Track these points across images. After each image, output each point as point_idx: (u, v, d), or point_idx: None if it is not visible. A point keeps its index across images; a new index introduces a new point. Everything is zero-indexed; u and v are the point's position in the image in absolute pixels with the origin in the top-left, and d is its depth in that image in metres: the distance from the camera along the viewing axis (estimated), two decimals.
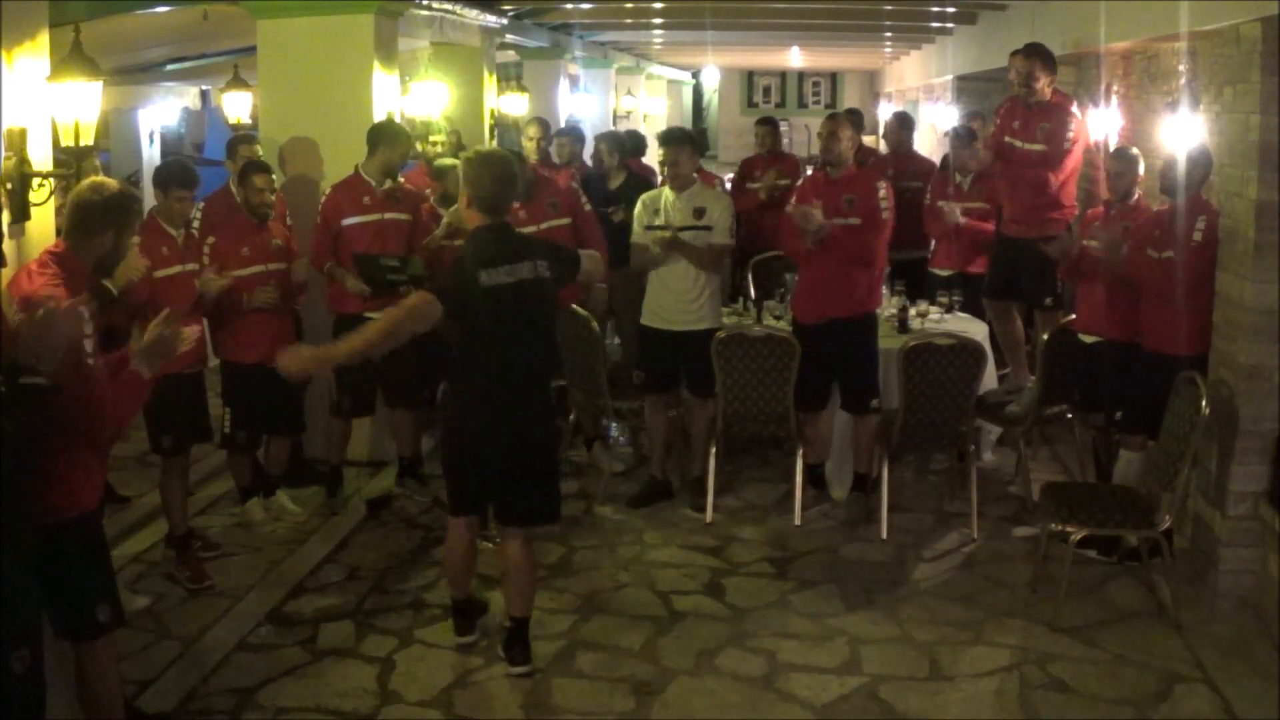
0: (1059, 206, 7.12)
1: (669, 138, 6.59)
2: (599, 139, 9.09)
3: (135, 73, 11.10)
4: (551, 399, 5.01)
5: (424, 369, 6.84)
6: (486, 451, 4.69)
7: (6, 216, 4.20)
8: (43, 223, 4.53)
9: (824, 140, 6.36)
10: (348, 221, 6.40)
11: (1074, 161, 7.15)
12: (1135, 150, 6.19)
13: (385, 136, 6.51)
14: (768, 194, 9.07)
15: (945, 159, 8.87)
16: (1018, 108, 7.20)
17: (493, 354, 4.60)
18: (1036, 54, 7.07)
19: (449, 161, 7.10)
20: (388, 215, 6.48)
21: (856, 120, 6.74)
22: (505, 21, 10.44)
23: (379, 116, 7.10)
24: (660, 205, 6.45)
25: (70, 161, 4.68)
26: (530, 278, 4.60)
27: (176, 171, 5.78)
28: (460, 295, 4.50)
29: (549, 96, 13.34)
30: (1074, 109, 7.24)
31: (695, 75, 24.84)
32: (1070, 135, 7.03)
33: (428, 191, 7.13)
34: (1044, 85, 7.02)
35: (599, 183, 8.43)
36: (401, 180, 6.74)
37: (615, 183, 8.35)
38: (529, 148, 8.29)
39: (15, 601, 3.14)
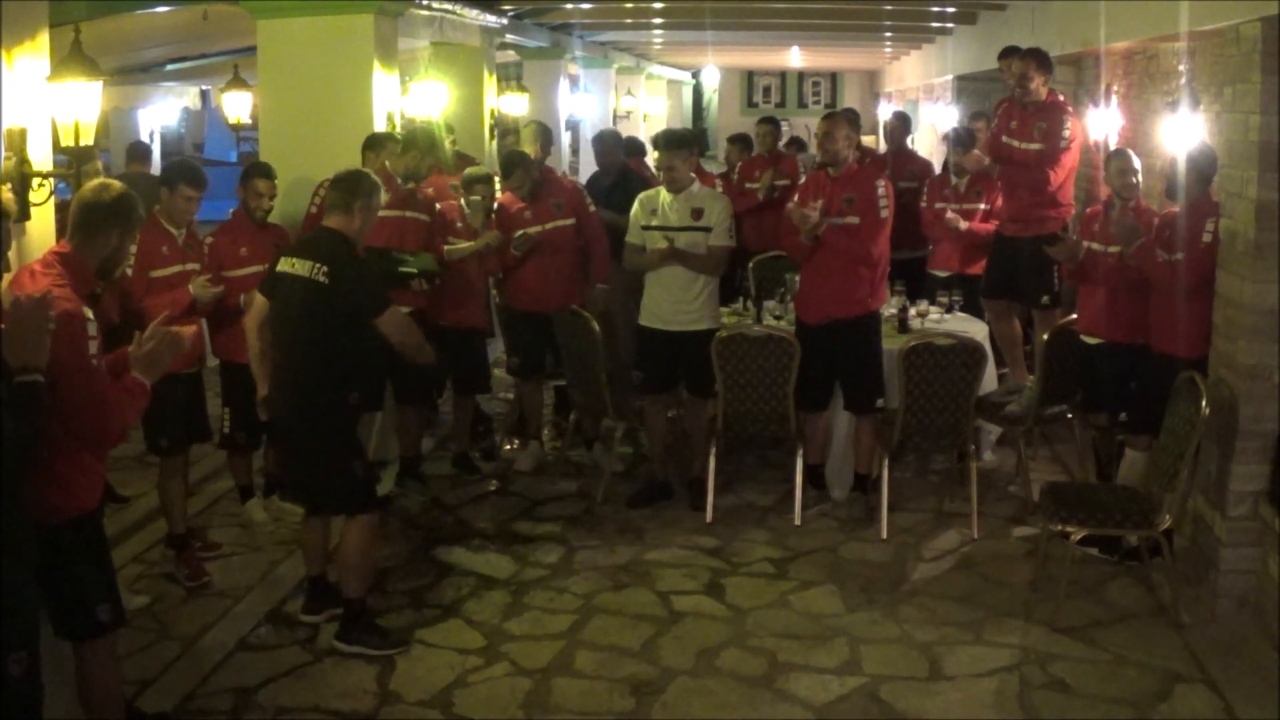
0: (1056, 205, 7.14)
1: (667, 141, 6.56)
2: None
3: (135, 73, 11.12)
4: (320, 397, 4.97)
5: (435, 367, 6.84)
6: (275, 420, 5.21)
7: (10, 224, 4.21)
8: (43, 223, 4.54)
9: (820, 140, 6.37)
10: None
11: (1072, 160, 7.17)
12: (1130, 152, 6.18)
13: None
14: (766, 195, 9.09)
15: (946, 162, 8.89)
16: (1014, 108, 7.21)
17: (276, 334, 5.07)
18: (1032, 55, 7.10)
19: (480, 170, 7.17)
20: (408, 213, 6.53)
21: (853, 119, 6.74)
22: (505, 21, 10.44)
23: (379, 116, 7.10)
24: (657, 205, 6.45)
25: (71, 162, 4.68)
26: (304, 276, 4.91)
27: (188, 170, 5.75)
28: (267, 279, 5.13)
29: (549, 96, 13.33)
30: (1069, 108, 7.26)
31: (695, 75, 24.83)
32: (1067, 134, 7.05)
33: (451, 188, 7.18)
34: (1039, 85, 7.04)
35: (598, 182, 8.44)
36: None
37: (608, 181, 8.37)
38: (529, 150, 8.24)
39: (13, 603, 3.14)
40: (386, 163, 6.56)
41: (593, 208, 7.29)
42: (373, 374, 6.43)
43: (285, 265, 5.03)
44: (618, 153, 8.50)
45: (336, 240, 5.00)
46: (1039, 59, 7.08)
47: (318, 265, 4.89)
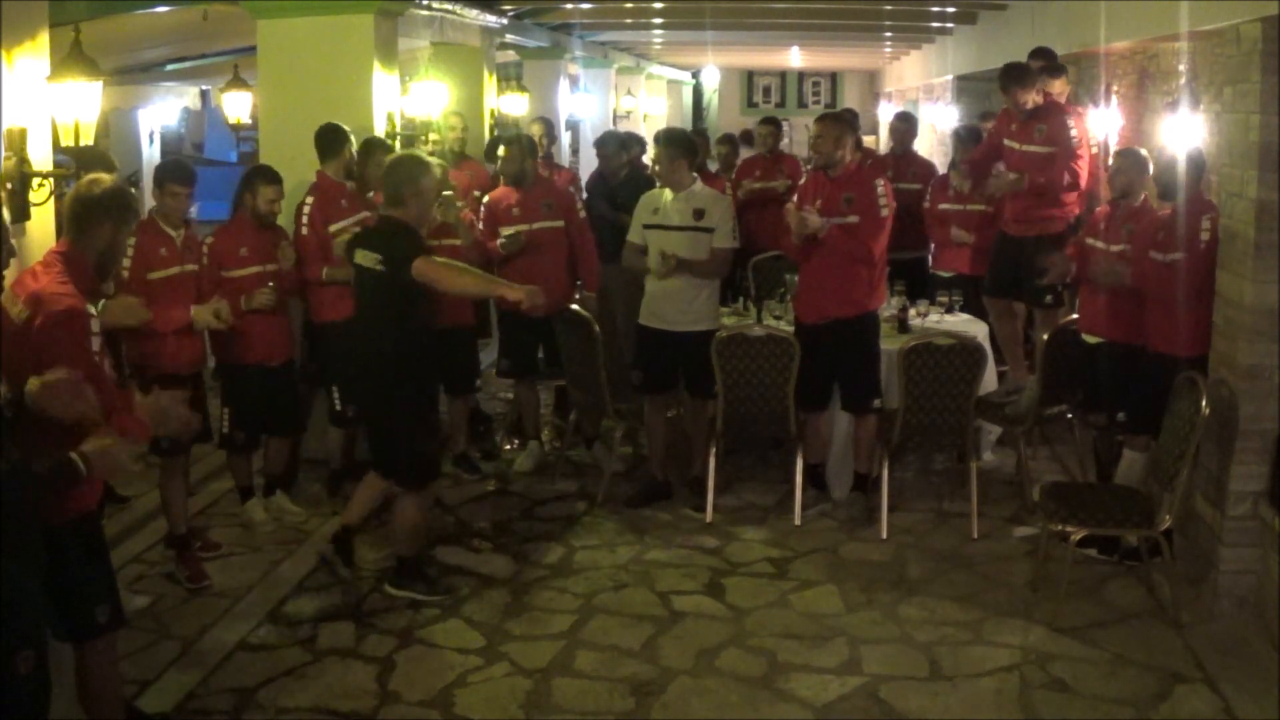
0: (1059, 205, 7.14)
1: (663, 139, 6.63)
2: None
3: (135, 73, 11.10)
4: (382, 373, 5.29)
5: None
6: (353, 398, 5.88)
7: (7, 215, 4.21)
8: (43, 223, 4.54)
9: (813, 142, 6.41)
10: (335, 227, 6.38)
11: (1087, 154, 7.17)
12: (1143, 152, 6.14)
13: (341, 136, 6.50)
14: (746, 195, 9.10)
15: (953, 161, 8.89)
16: (1014, 111, 7.23)
17: (355, 317, 5.53)
18: (1013, 81, 7.13)
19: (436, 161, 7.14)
20: (364, 214, 6.48)
21: (849, 120, 6.74)
22: (505, 21, 10.44)
23: (379, 116, 7.10)
24: (659, 205, 6.45)
25: (71, 163, 4.69)
26: (368, 267, 5.25)
27: (171, 168, 5.81)
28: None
29: (549, 96, 13.33)
30: (1069, 107, 7.27)
31: (695, 75, 24.82)
32: (1074, 133, 7.06)
33: None
34: (1029, 97, 7.06)
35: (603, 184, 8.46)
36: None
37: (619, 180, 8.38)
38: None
39: (19, 602, 3.14)
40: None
41: (583, 213, 7.27)
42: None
43: (359, 257, 5.33)
44: (622, 155, 8.53)
45: (394, 227, 5.27)
46: (1019, 80, 7.10)
47: (375, 255, 5.23)
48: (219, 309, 5.63)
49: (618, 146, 8.58)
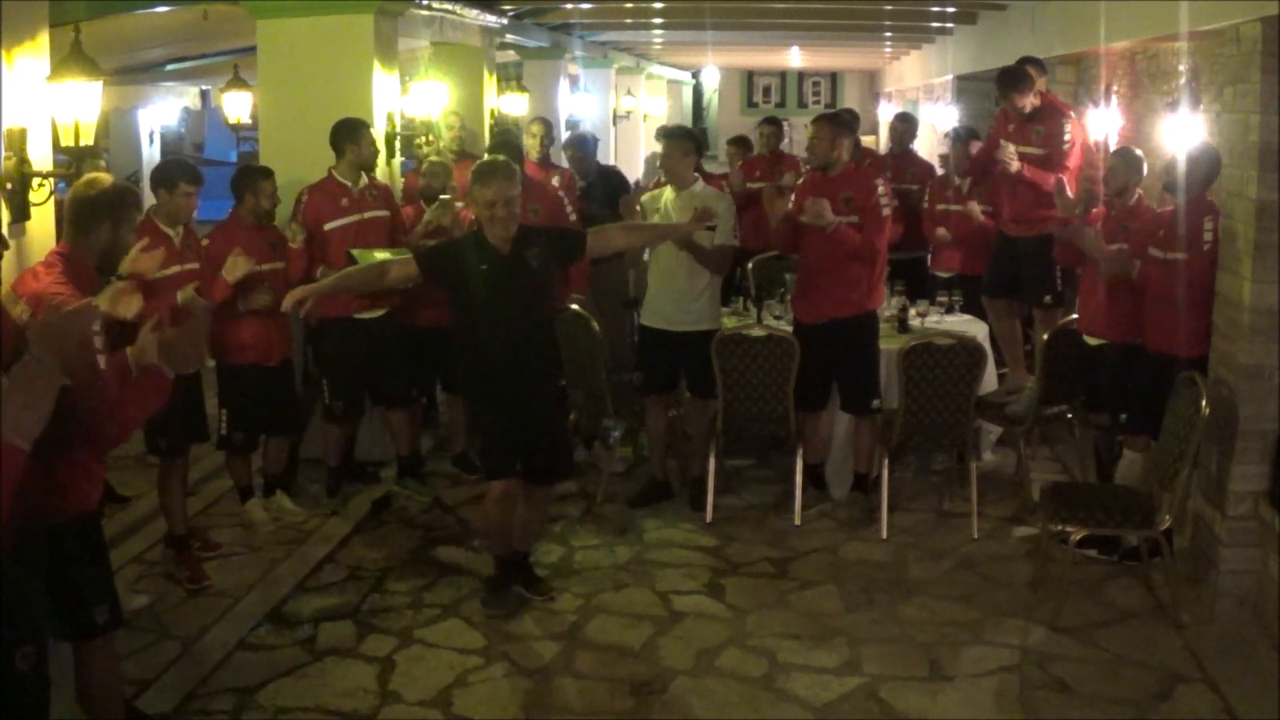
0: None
1: (666, 133, 6.65)
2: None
3: (135, 73, 11.11)
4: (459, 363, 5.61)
5: (415, 369, 6.82)
6: None
7: (6, 214, 4.21)
8: (43, 223, 4.54)
9: (809, 144, 6.42)
10: (329, 225, 6.38)
11: (1075, 161, 7.17)
12: (1137, 152, 6.15)
13: (350, 134, 6.46)
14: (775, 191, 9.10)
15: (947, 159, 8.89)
16: (1012, 112, 7.23)
17: None
18: (1009, 86, 7.13)
19: (434, 160, 7.14)
20: (367, 214, 6.48)
21: (845, 120, 6.75)
22: (505, 21, 10.44)
23: (379, 116, 7.10)
24: (661, 204, 6.45)
25: (71, 161, 4.69)
26: None
27: (183, 168, 5.75)
28: None
29: (549, 96, 13.34)
30: (1067, 109, 7.27)
31: (695, 75, 24.82)
32: (1068, 137, 7.05)
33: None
34: (1027, 101, 7.06)
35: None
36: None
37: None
38: (531, 145, 8.30)
39: (20, 599, 3.14)
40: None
41: (573, 217, 7.26)
42: (350, 379, 6.50)
43: None
44: (592, 157, 8.62)
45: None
46: (1015, 83, 7.10)
47: None
48: (236, 262, 5.67)
49: (589, 146, 8.70)
